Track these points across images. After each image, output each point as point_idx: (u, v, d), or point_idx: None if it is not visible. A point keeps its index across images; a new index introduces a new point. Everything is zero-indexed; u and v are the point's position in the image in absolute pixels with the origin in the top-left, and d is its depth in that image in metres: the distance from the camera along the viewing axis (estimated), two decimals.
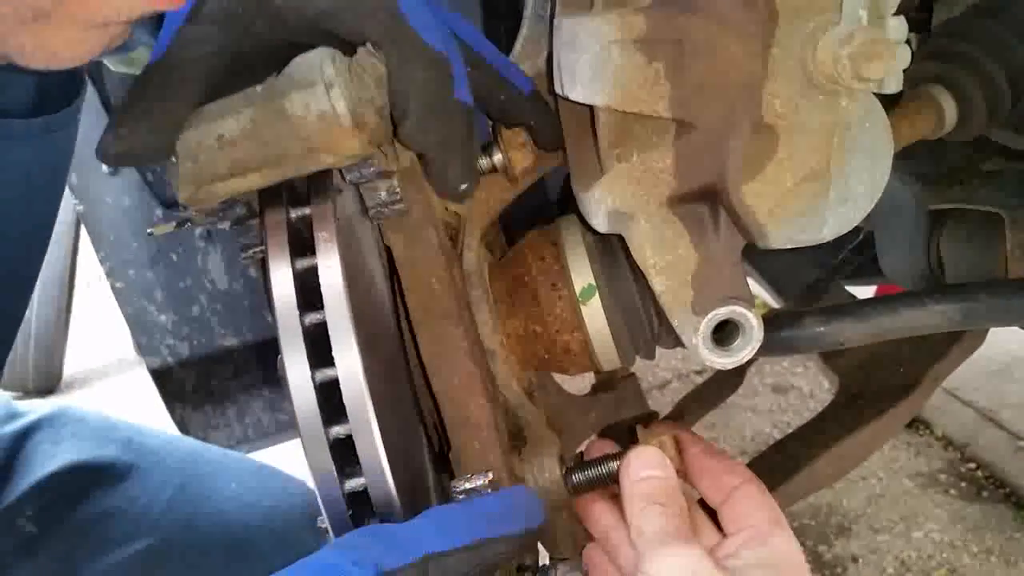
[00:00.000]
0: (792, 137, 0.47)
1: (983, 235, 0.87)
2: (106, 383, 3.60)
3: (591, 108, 0.54)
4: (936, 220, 0.92)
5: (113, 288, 1.34)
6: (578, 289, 0.65)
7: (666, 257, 0.51)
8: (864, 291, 1.38)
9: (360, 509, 0.50)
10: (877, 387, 0.91)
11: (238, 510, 1.03)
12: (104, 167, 1.28)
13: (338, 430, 0.49)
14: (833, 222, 0.49)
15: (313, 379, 0.48)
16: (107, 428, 1.06)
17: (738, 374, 1.04)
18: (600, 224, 0.55)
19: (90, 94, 1.25)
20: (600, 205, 0.53)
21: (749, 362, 0.56)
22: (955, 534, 1.99)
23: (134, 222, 1.31)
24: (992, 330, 0.91)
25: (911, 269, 0.95)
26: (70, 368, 3.59)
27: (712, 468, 0.61)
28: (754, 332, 0.52)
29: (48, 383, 3.43)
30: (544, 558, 0.65)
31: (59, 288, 3.24)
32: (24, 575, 0.91)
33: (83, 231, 3.20)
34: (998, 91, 0.76)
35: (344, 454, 0.49)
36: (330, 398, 0.49)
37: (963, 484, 2.15)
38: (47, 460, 0.99)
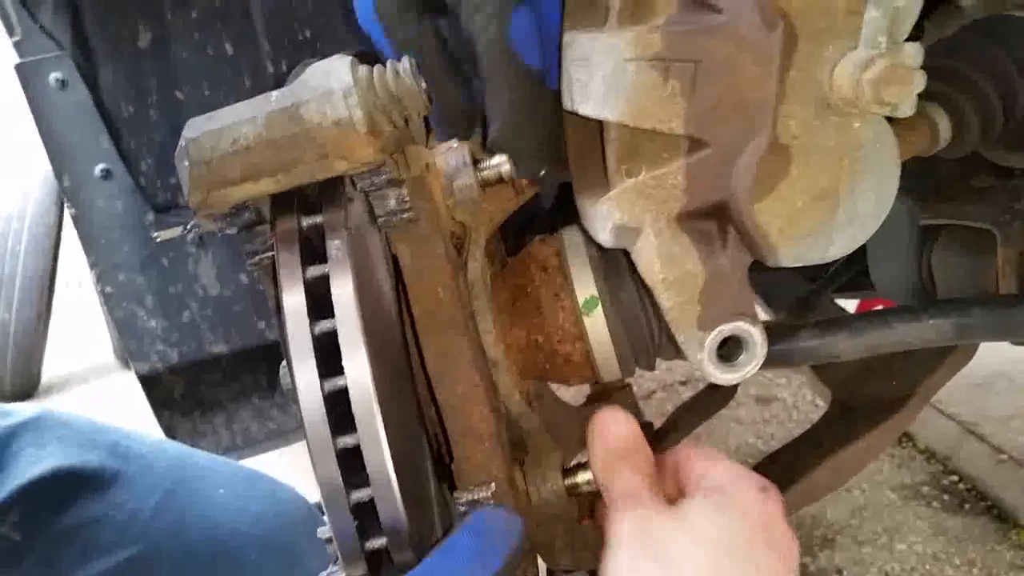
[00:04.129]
0: (805, 157, 0.47)
1: (974, 251, 0.88)
2: (85, 388, 3.56)
3: (600, 123, 0.54)
4: (927, 235, 0.93)
5: (103, 293, 1.32)
6: (581, 300, 0.66)
7: (674, 272, 0.52)
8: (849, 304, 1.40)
9: (365, 520, 0.50)
10: (869, 400, 0.91)
11: (227, 516, 1.02)
12: (96, 171, 1.27)
13: (346, 440, 0.49)
14: (840, 241, 0.49)
15: (322, 388, 0.48)
16: (93, 432, 1.04)
17: (731, 386, 1.05)
18: (606, 239, 0.55)
19: (85, 99, 1.24)
20: (607, 220, 0.53)
21: None
22: (937, 546, 2.01)
23: (125, 226, 1.29)
24: None
25: (902, 283, 0.96)
26: (49, 372, 3.55)
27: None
28: (758, 348, 0.52)
29: (26, 387, 3.39)
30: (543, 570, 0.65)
31: (39, 291, 3.20)
32: None
33: (64, 234, 3.18)
34: (991, 109, 0.78)
35: (350, 465, 0.49)
36: (337, 408, 0.49)
37: (945, 497, 2.16)
38: (31, 465, 0.96)
